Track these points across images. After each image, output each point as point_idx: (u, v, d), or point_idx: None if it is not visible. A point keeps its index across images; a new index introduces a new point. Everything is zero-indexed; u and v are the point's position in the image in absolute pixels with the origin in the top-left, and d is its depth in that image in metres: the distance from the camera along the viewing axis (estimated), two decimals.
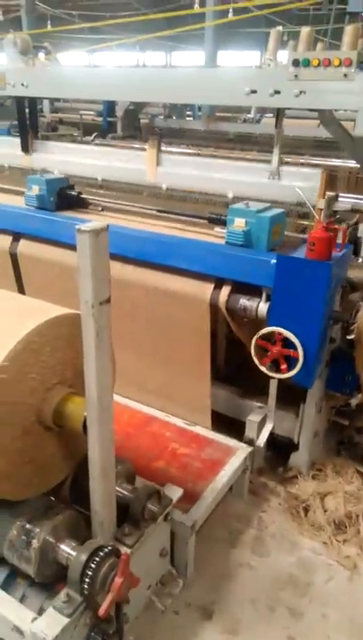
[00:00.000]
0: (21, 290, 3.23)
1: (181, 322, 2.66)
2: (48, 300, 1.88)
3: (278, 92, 2.60)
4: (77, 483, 1.89)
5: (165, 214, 2.99)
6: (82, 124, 8.64)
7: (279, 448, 2.82)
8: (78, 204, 3.17)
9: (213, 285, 2.51)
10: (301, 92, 2.55)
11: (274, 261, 2.27)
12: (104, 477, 1.66)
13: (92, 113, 10.76)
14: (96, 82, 3.11)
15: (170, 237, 2.66)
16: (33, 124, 3.81)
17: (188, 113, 11.80)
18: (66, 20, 16.70)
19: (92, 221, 1.42)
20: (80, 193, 3.16)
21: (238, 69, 2.94)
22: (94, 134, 7.51)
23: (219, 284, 2.50)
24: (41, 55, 3.70)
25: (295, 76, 2.55)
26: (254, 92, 2.65)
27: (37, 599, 1.76)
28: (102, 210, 3.16)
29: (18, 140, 3.90)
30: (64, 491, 1.89)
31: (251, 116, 10.64)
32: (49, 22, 15.56)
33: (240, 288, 2.45)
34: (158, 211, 3.00)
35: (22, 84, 3.42)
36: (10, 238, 3.14)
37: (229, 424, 2.85)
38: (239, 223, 2.46)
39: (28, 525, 1.64)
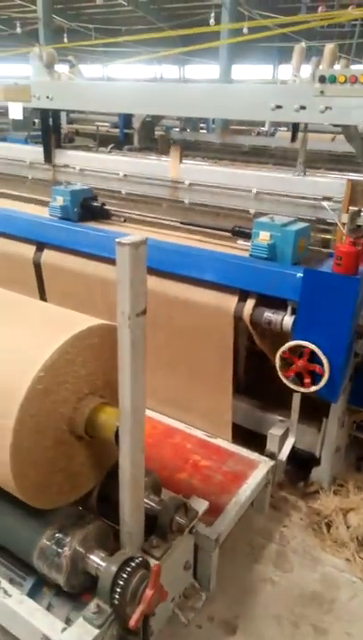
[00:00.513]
0: (43, 299, 3.26)
1: (203, 333, 2.67)
2: (70, 309, 1.91)
3: (303, 108, 2.63)
4: (105, 493, 1.89)
5: (188, 226, 3.02)
6: (98, 136, 8.75)
7: (299, 462, 2.81)
8: (101, 214, 3.20)
9: (237, 298, 2.52)
10: (326, 107, 2.58)
11: (300, 275, 2.28)
12: (134, 488, 1.66)
13: (107, 124, 10.90)
14: (122, 95, 3.16)
15: (194, 249, 2.68)
16: (56, 135, 3.86)
17: (201, 125, 11.91)
18: (82, 32, 17.00)
19: (131, 234, 1.44)
20: (103, 204, 3.19)
21: (265, 85, 2.98)
22: (111, 145, 7.60)
23: (243, 296, 2.51)
24: (64, 68, 3.75)
25: (321, 92, 2.58)
26: (279, 107, 2.68)
27: (63, 609, 1.76)
28: (125, 221, 3.19)
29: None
30: (92, 501, 1.89)
31: (265, 129, 10.73)
32: (65, 35, 15.85)
33: (265, 301, 2.46)
34: (181, 222, 3.03)
35: (47, 97, 3.48)
36: (33, 248, 3.18)
37: (248, 436, 2.84)
38: (264, 236, 2.47)
39: (58, 534, 1.64)
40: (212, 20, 12.58)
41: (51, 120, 3.76)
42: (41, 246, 3.16)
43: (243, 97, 2.77)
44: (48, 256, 3.13)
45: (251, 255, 2.51)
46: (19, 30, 15.95)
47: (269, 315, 2.43)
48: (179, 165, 3.39)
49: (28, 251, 3.19)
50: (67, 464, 1.68)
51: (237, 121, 10.41)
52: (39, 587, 1.85)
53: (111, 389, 1.77)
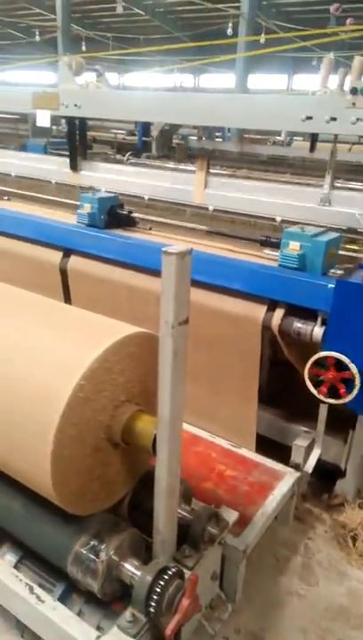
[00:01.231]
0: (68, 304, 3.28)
1: (230, 343, 2.67)
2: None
3: (334, 119, 2.64)
4: (136, 500, 1.89)
5: (215, 234, 3.03)
6: (116, 143, 8.83)
7: (323, 473, 2.79)
8: (127, 222, 3.23)
9: (265, 307, 2.52)
10: (358, 119, 2.59)
11: (332, 286, 2.27)
12: (169, 497, 1.66)
13: (123, 132, 10.98)
14: (151, 104, 3.20)
15: (223, 258, 2.69)
16: (82, 143, 3.90)
17: (217, 134, 11.96)
18: (100, 41, 17.21)
19: (174, 245, 1.45)
20: (131, 212, 3.22)
21: (295, 96, 3.00)
22: (128, 153, 7.66)
23: (272, 306, 2.51)
24: (91, 76, 3.80)
25: (353, 103, 2.59)
26: (309, 118, 2.70)
27: (94, 617, 1.76)
28: (150, 228, 3.22)
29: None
30: (123, 508, 1.89)
31: (281, 138, 10.77)
32: (83, 43, 16.07)
33: (294, 311, 2.45)
34: (208, 231, 3.04)
35: (75, 105, 3.52)
36: (60, 254, 3.20)
37: (270, 447, 2.82)
38: (294, 246, 2.47)
39: (94, 541, 1.64)
40: (229, 30, 12.68)
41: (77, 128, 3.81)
42: (68, 252, 3.19)
43: (273, 107, 2.78)
44: (75, 262, 3.16)
45: (280, 265, 2.52)
46: (37, 38, 16.17)
47: (298, 325, 2.42)
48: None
49: (55, 257, 3.22)
50: (103, 471, 1.69)
51: (254, 130, 10.44)
52: (69, 593, 1.85)
53: (146, 397, 1.78)
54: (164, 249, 1.41)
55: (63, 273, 3.23)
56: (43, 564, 1.93)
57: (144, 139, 8.37)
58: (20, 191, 3.89)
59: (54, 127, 9.73)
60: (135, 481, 1.88)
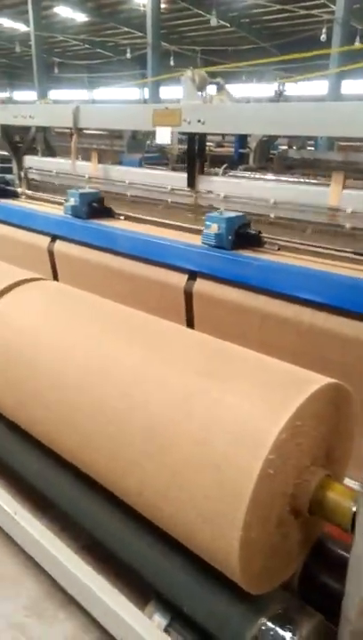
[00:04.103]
0: (191, 328, 3.10)
1: None
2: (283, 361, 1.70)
3: None
4: (308, 573, 1.64)
5: (358, 256, 2.73)
6: (210, 156, 8.70)
7: None
8: (255, 242, 3.01)
9: None
10: None
11: None
12: None
13: (211, 144, 10.88)
14: (287, 116, 2.96)
15: None
16: (200, 160, 3.74)
17: (310, 142, 11.57)
18: (187, 55, 17.35)
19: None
20: (260, 232, 2.99)
21: None
22: (224, 165, 7.48)
23: None
24: (213, 89, 3.64)
25: None
26: None
27: None
28: (279, 249, 2.98)
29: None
30: (293, 582, 1.64)
31: None
32: (172, 58, 16.26)
33: None
34: (355, 253, 2.75)
35: (199, 121, 3.35)
36: (185, 277, 3.04)
37: None
38: None
39: (278, 626, 1.40)
40: (323, 36, 12.26)
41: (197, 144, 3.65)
42: (193, 275, 3.01)
43: None
44: (201, 286, 2.97)
45: None
46: (128, 56, 16.57)
47: None
48: (340, 192, 3.13)
49: (180, 279, 3.05)
50: (284, 544, 1.45)
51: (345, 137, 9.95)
52: None
53: (331, 458, 1.53)
54: None
55: (187, 296, 3.06)
56: (192, 629, 1.73)
57: (241, 150, 8.18)
58: (135, 215, 3.79)
59: (147, 142, 9.81)
60: (308, 550, 1.63)
